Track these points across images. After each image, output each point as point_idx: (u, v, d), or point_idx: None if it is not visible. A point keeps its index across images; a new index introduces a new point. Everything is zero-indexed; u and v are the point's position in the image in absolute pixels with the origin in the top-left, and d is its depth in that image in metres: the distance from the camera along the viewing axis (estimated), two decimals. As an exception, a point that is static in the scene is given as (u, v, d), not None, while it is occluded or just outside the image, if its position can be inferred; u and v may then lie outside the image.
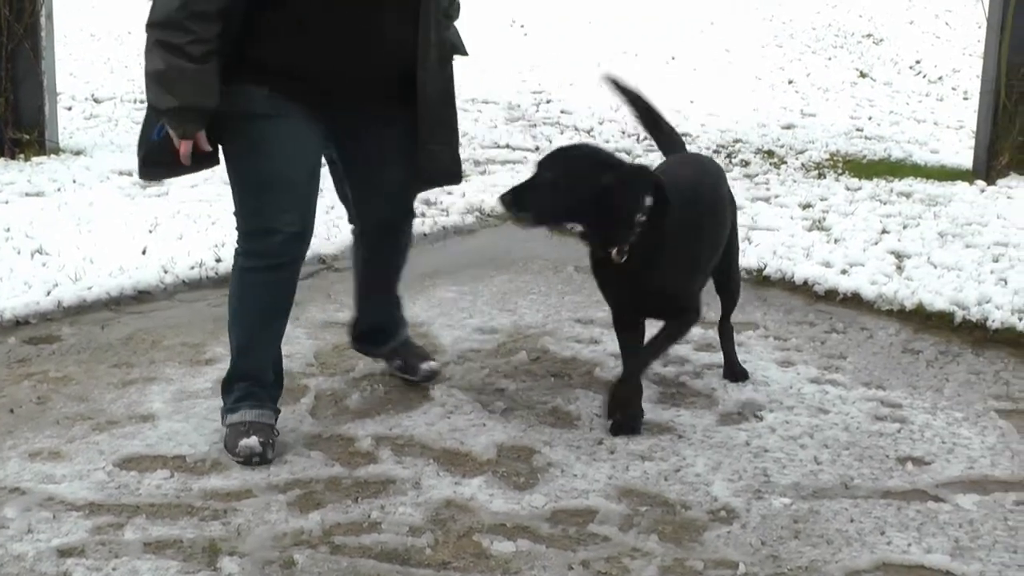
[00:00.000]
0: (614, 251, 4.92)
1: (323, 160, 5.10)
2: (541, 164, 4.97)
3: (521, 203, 4.87)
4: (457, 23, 5.21)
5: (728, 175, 9.95)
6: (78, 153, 10.24)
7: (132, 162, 9.70)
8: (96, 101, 12.69)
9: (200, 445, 4.87)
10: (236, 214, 4.93)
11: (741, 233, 7.83)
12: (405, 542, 4.17)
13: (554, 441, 4.99)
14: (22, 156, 9.83)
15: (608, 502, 4.49)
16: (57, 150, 10.15)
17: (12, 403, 5.24)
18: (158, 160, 4.80)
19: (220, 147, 4.81)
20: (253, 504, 4.41)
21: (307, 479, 4.61)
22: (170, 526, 4.25)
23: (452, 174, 5.14)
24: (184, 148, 4.67)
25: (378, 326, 5.55)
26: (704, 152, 10.56)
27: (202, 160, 4.79)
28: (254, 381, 4.94)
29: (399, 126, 4.94)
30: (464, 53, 5.24)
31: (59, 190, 8.86)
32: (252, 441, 4.71)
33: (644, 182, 4.94)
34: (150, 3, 4.55)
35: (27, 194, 8.68)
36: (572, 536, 4.26)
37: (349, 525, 4.29)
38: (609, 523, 4.34)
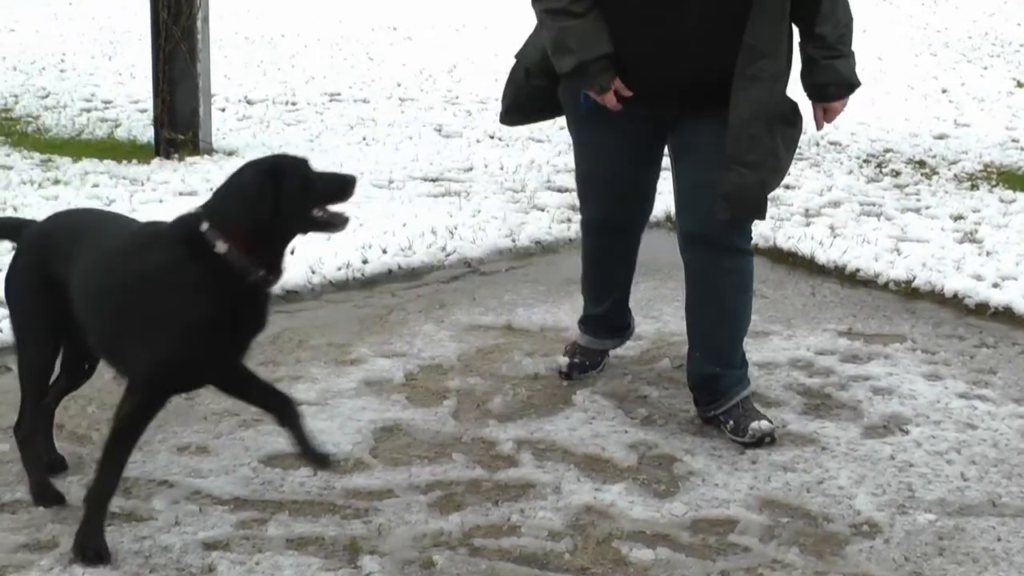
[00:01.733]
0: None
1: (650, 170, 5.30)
2: None
3: None
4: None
5: (878, 185, 9.87)
6: (230, 154, 10.38)
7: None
8: (249, 103, 12.85)
9: (343, 444, 4.92)
10: None
11: (890, 244, 7.78)
12: (544, 546, 4.18)
13: (695, 449, 4.96)
14: (177, 156, 9.99)
15: (749, 512, 4.46)
16: (210, 150, 10.30)
17: (162, 398, 5.32)
18: (522, 108, 5.28)
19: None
20: (394, 504, 4.44)
21: (448, 481, 4.63)
22: (312, 523, 4.30)
23: (757, 206, 4.91)
24: (610, 100, 4.85)
25: (711, 379, 5.19)
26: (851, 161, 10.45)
27: (556, 107, 5.23)
28: (589, 313, 5.74)
29: (717, 137, 4.81)
30: (852, 83, 4.95)
31: (211, 190, 8.96)
32: (563, 360, 5.68)
33: None
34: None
35: (181, 193, 8.81)
36: (712, 545, 4.24)
37: (489, 528, 4.30)
38: (750, 534, 4.31)
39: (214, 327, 4.04)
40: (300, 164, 4.12)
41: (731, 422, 5.06)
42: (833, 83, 4.92)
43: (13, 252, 4.51)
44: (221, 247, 3.97)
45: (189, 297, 4.01)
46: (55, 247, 4.36)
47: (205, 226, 4.02)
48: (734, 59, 4.69)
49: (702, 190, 4.88)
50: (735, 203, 4.81)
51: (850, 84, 4.95)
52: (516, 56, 5.27)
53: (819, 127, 5.14)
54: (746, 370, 5.24)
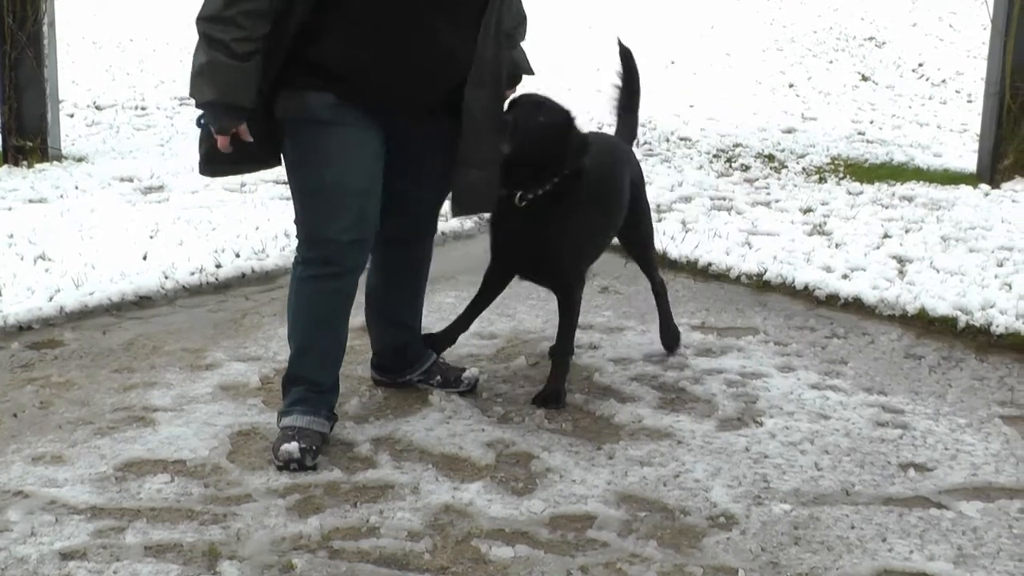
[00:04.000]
0: (518, 195, 5.20)
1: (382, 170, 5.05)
2: (522, 98, 5.24)
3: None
4: None
5: (728, 179, 9.99)
6: (80, 160, 10.27)
7: (133, 168, 9.80)
8: (98, 108, 12.72)
9: (200, 450, 4.88)
10: (295, 221, 4.94)
11: (741, 237, 7.88)
12: (404, 547, 4.17)
13: (552, 447, 4.98)
14: (25, 163, 9.87)
15: (607, 508, 4.48)
16: (59, 157, 10.19)
17: (15, 407, 5.25)
18: (222, 157, 4.79)
19: (282, 151, 4.86)
20: (252, 508, 4.41)
21: (306, 484, 4.61)
22: (170, 530, 4.25)
23: (486, 200, 5.15)
24: (222, 142, 4.68)
25: (402, 349, 5.53)
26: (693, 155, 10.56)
27: (261, 159, 4.88)
28: (309, 386, 4.96)
29: (441, 142, 4.92)
30: (530, 72, 5.29)
31: (61, 197, 8.88)
32: (292, 447, 4.72)
33: (587, 145, 5.26)
34: None
35: (30, 200, 8.71)
36: (571, 542, 4.26)
37: (348, 530, 4.29)
38: (608, 529, 4.34)
39: None
40: None
41: (439, 377, 5.52)
42: (513, 74, 5.24)
43: None
44: None
45: None
46: None
47: None
48: (467, 70, 4.81)
49: (420, 190, 5.13)
50: (466, 201, 5.05)
51: (526, 73, 5.34)
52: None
53: None
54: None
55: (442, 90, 4.81)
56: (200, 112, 4.70)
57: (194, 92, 4.64)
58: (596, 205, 5.38)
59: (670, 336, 6.09)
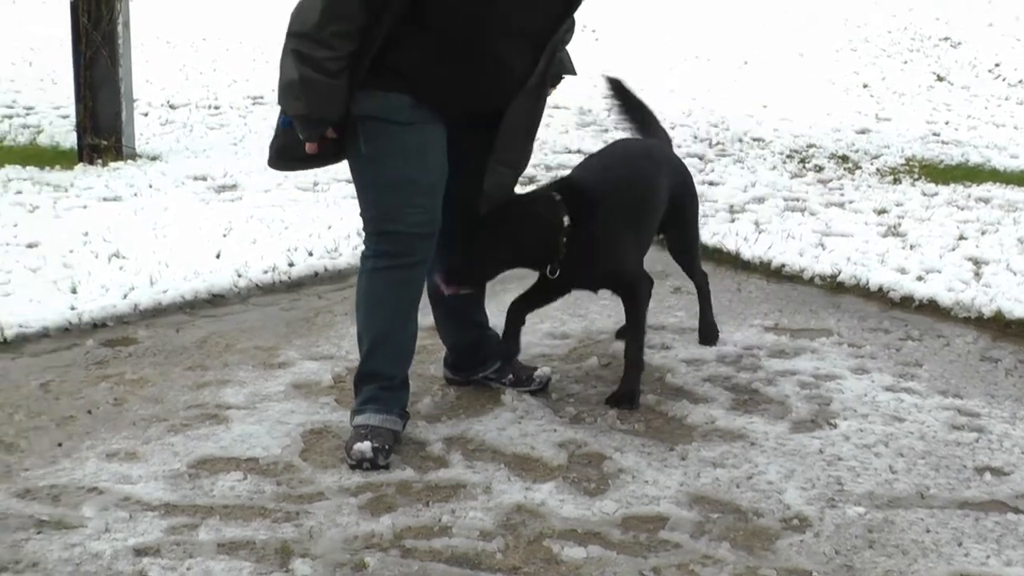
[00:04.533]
0: (547, 269, 5.26)
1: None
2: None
3: (459, 277, 5.16)
4: None
5: (801, 180, 9.93)
6: (154, 159, 10.33)
7: (206, 167, 9.87)
8: (172, 107, 12.80)
9: (273, 448, 4.89)
10: (365, 215, 4.97)
11: (814, 239, 7.82)
12: (475, 546, 4.17)
13: (625, 447, 4.97)
14: (100, 162, 9.94)
15: (679, 509, 4.47)
16: (134, 156, 10.25)
17: (90, 404, 5.28)
18: (292, 155, 4.89)
19: (348, 147, 4.88)
20: (325, 507, 4.42)
21: (378, 483, 4.61)
22: (243, 527, 4.27)
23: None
24: (311, 147, 4.79)
25: (473, 347, 5.56)
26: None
27: (329, 156, 4.91)
28: (382, 383, 4.99)
29: (485, 143, 4.93)
30: (573, 73, 5.28)
31: (135, 195, 8.94)
32: (364, 446, 4.74)
33: (552, 207, 5.23)
34: (291, 9, 4.57)
35: (104, 199, 8.76)
36: (643, 543, 4.25)
37: (420, 529, 4.29)
38: (680, 530, 4.32)
39: None
40: None
41: (511, 375, 5.53)
42: (558, 74, 5.21)
43: None
44: None
45: None
46: None
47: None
48: (522, 86, 4.87)
49: (470, 191, 5.03)
50: (492, 199, 5.02)
51: (570, 73, 5.28)
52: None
53: None
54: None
55: (501, 104, 4.87)
56: (285, 116, 4.80)
57: (284, 105, 4.72)
58: (618, 223, 5.36)
59: (708, 330, 6.19)
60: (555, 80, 5.22)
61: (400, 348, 5.04)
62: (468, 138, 4.95)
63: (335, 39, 4.52)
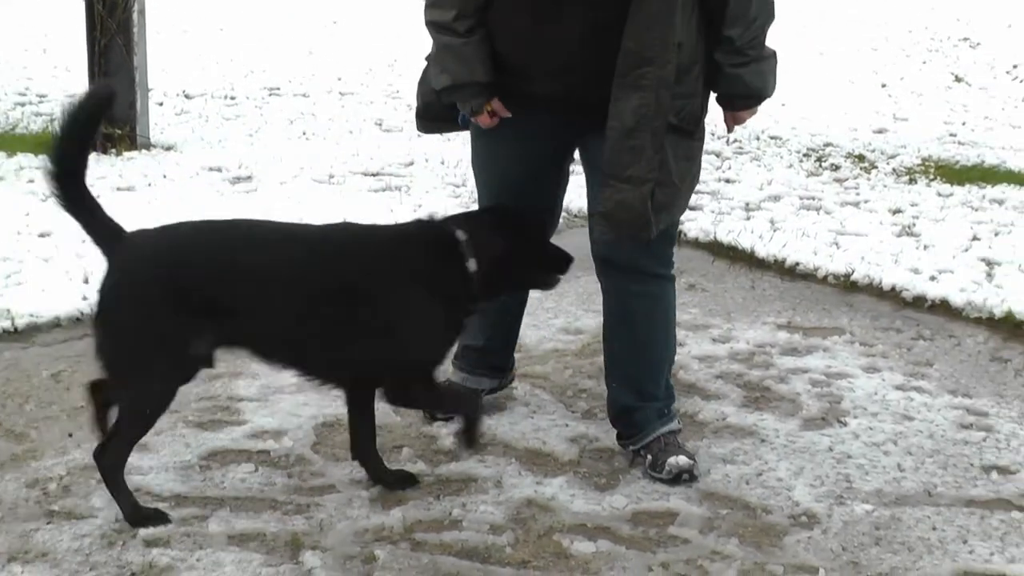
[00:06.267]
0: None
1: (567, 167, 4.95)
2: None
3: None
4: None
5: (817, 179, 9.93)
6: (169, 148, 10.34)
7: (222, 158, 9.89)
8: (187, 97, 12.82)
9: (284, 440, 4.91)
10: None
11: (829, 237, 7.84)
12: (486, 540, 4.18)
13: (636, 443, 4.97)
14: (114, 151, 9.94)
15: (689, 504, 4.48)
16: (148, 145, 10.25)
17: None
18: (435, 115, 4.81)
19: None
20: (336, 499, 4.44)
21: (389, 476, 4.63)
22: (254, 519, 4.29)
23: (644, 222, 4.45)
24: (483, 120, 4.61)
25: (624, 412, 4.93)
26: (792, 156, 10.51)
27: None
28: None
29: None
30: (760, 94, 4.61)
31: (150, 185, 8.96)
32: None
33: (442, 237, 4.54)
34: None
35: (118, 189, 8.78)
36: (652, 538, 4.26)
37: (430, 522, 4.31)
38: (689, 526, 4.33)
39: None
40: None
41: (649, 457, 4.76)
42: (739, 95, 4.57)
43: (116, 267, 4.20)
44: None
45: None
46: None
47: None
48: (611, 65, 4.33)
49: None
50: (615, 222, 4.46)
51: (758, 96, 4.59)
52: (427, 58, 4.77)
53: (728, 130, 4.95)
54: (670, 403, 4.92)
55: (588, 83, 4.39)
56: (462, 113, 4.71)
57: (435, 82, 4.63)
58: None
59: None
60: (727, 101, 4.62)
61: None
62: (592, 147, 4.61)
63: None
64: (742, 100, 4.58)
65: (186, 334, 4.12)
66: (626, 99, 4.28)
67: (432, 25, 4.51)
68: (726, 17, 4.35)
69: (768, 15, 4.48)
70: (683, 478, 4.66)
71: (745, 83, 4.49)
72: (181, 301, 4.08)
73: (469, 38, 4.46)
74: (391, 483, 4.54)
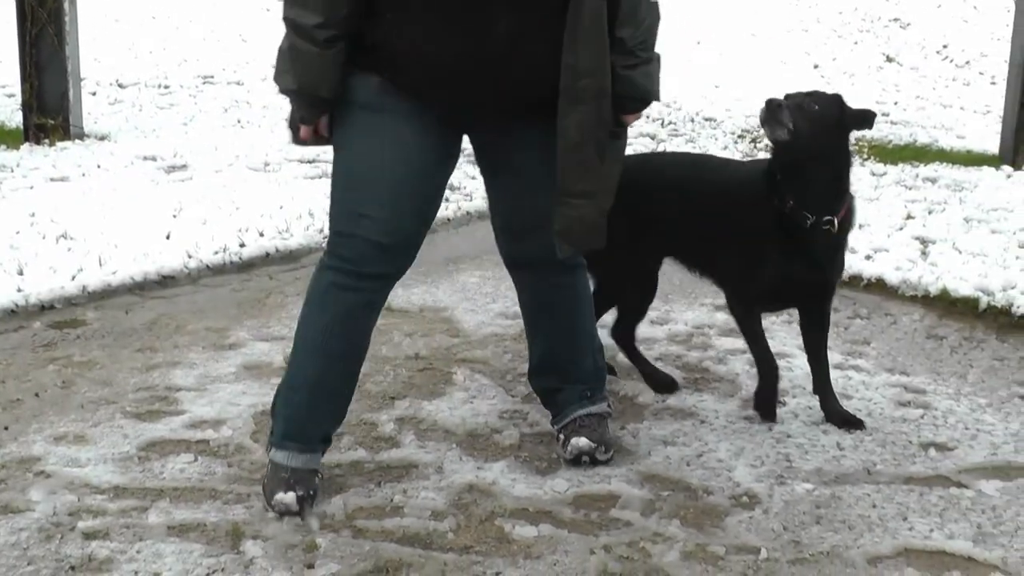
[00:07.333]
0: (836, 219, 4.98)
1: (445, 171, 4.52)
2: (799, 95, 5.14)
3: (780, 119, 4.97)
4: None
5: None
6: (102, 138, 10.29)
7: (156, 147, 9.83)
8: (120, 86, 12.75)
9: (223, 429, 4.89)
10: (328, 211, 4.49)
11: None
12: (427, 526, 4.17)
13: (576, 426, 4.98)
14: (47, 141, 9.89)
15: (630, 487, 4.48)
16: (81, 135, 10.20)
17: (37, 387, 5.26)
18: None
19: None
20: (276, 488, 4.42)
21: (330, 463, 4.60)
22: (194, 510, 4.26)
23: (601, 234, 4.38)
24: (304, 132, 4.34)
25: (549, 392, 4.93)
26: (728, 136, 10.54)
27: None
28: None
29: (542, 150, 4.31)
30: (653, 96, 4.44)
31: (84, 175, 8.90)
32: (289, 498, 4.22)
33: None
34: None
35: (52, 179, 8.73)
36: (594, 521, 4.26)
37: (371, 509, 4.29)
38: (631, 508, 4.34)
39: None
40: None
41: (561, 436, 4.75)
42: (630, 96, 4.33)
43: None
44: None
45: None
46: None
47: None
48: (554, 76, 4.16)
49: (524, 213, 4.54)
50: (574, 238, 4.34)
51: (644, 99, 4.40)
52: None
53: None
54: (597, 385, 4.87)
55: (512, 92, 4.22)
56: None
57: (277, 79, 4.30)
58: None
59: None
60: (619, 103, 4.32)
61: (330, 394, 4.46)
62: (517, 149, 4.46)
63: (324, 3, 4.09)
64: (633, 102, 4.41)
65: None
66: (570, 116, 4.18)
67: (291, 24, 4.18)
68: (617, 19, 4.24)
69: (655, 17, 4.42)
70: (583, 460, 4.64)
71: (636, 84, 4.34)
72: None
73: (326, 50, 4.15)
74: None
